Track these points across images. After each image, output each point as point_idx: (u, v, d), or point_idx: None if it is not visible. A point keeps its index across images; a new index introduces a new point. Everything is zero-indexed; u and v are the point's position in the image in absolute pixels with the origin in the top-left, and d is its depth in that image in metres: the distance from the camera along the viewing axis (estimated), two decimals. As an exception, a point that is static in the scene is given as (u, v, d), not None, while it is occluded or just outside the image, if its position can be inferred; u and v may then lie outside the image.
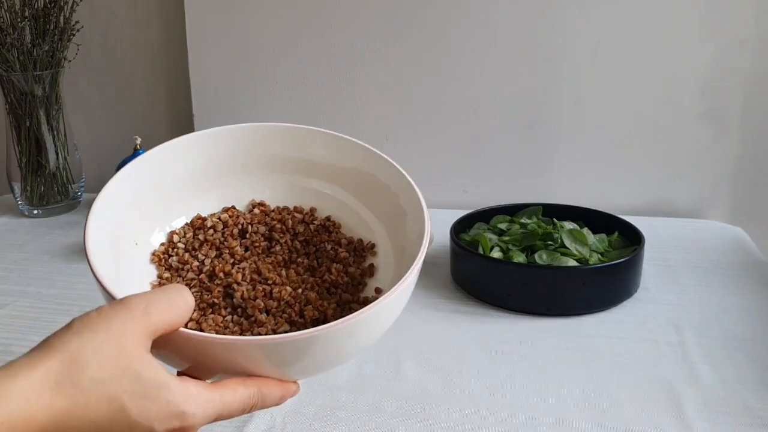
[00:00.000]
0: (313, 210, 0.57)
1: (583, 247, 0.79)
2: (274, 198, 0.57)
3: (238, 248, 0.53)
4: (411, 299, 0.46)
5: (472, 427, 0.57)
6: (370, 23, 1.07)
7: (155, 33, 1.21)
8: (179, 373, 0.42)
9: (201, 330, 0.46)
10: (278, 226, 0.55)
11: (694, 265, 0.87)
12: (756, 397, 0.60)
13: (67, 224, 1.06)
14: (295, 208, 0.57)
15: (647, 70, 1.02)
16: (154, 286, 0.49)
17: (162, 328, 0.37)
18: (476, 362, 0.67)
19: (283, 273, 0.51)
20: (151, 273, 0.51)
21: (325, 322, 0.48)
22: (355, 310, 0.47)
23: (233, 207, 0.56)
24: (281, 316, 0.48)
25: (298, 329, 0.46)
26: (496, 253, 0.79)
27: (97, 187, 0.50)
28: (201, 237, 0.53)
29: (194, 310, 0.45)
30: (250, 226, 0.55)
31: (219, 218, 0.55)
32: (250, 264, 0.52)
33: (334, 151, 0.56)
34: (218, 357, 0.39)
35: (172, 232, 0.53)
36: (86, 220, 0.45)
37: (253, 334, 0.46)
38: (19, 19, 1.00)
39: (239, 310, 0.48)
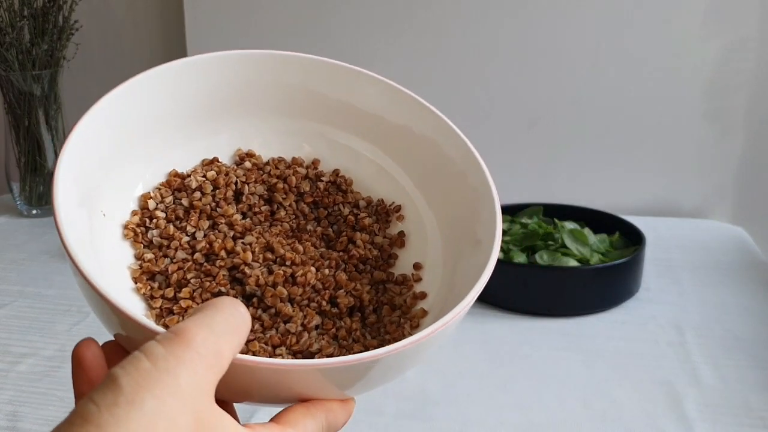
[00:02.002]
0: (316, 162, 0.47)
1: (584, 247, 0.78)
2: (264, 148, 0.47)
3: (237, 216, 0.43)
4: None
5: (473, 427, 0.57)
6: (369, 25, 1.07)
7: (155, 33, 1.20)
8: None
9: None
10: (279, 184, 0.45)
11: (695, 266, 0.87)
12: (757, 398, 0.60)
13: (67, 224, 1.06)
14: (293, 160, 0.47)
15: (649, 69, 1.02)
16: (134, 272, 0.40)
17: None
18: (476, 363, 0.67)
19: (298, 247, 0.42)
20: (126, 253, 0.40)
21: (361, 308, 0.42)
22: (392, 291, 0.43)
23: (216, 159, 0.46)
24: (309, 306, 0.40)
25: (331, 320, 0.40)
26: (497, 253, 0.79)
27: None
28: (185, 202, 0.43)
29: (196, 303, 0.39)
30: (246, 186, 0.44)
31: (204, 176, 0.44)
32: (257, 238, 0.42)
33: (384, 101, 0.47)
34: (272, 383, 0.31)
35: (145, 196, 0.42)
36: (53, 199, 0.34)
37: (279, 332, 0.38)
38: (17, 19, 1.00)
39: (254, 299, 0.40)
